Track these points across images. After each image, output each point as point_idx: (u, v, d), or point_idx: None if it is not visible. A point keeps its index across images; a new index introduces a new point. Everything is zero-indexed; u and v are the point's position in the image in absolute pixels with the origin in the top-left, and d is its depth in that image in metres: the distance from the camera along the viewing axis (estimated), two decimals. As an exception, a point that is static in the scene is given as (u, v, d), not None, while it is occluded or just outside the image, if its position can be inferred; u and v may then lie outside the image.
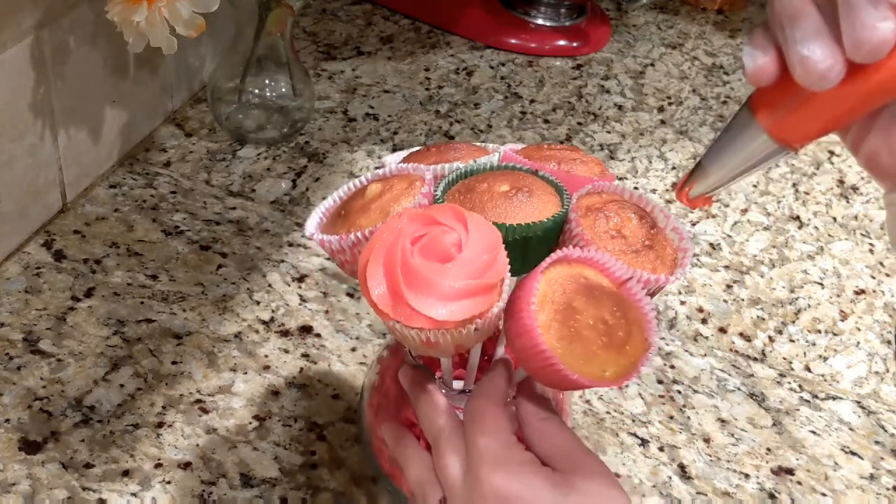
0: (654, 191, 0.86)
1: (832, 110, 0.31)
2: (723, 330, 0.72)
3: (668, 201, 0.86)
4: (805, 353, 0.71)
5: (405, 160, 0.48)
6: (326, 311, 0.68)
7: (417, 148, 0.51)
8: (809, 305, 0.76)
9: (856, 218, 0.87)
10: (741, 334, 0.72)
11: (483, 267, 0.39)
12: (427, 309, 0.38)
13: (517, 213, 0.43)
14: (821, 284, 0.78)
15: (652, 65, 1.07)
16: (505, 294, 0.40)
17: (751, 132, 0.33)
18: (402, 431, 0.48)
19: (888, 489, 0.62)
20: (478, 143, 0.51)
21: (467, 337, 0.40)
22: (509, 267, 0.40)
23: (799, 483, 0.61)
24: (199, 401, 0.60)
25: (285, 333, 0.66)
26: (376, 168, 0.49)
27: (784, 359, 0.71)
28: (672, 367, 0.68)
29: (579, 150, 0.49)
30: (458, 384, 0.49)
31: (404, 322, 0.38)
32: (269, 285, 0.70)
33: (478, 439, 0.41)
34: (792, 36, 0.30)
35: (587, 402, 0.64)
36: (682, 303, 0.74)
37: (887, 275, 0.81)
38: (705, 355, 0.70)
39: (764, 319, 0.74)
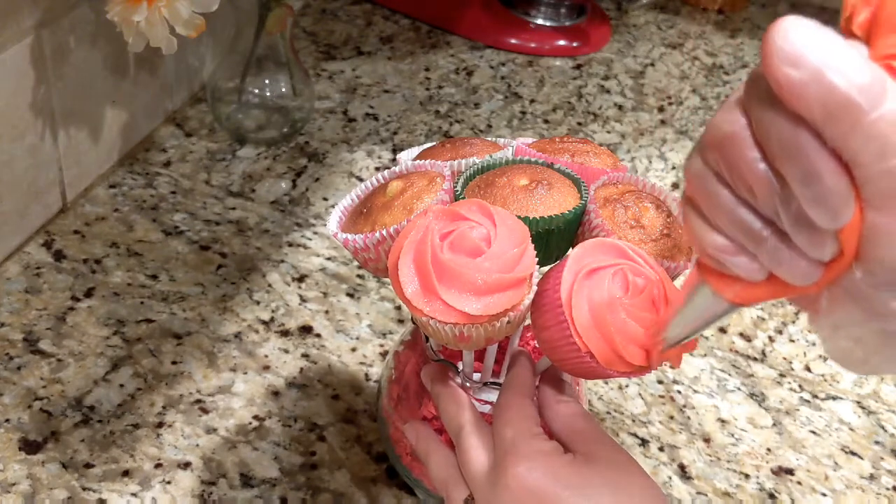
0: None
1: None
2: (723, 330, 0.72)
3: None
4: (805, 353, 0.71)
5: (420, 156, 0.49)
6: (326, 311, 0.68)
7: (430, 144, 0.51)
8: (809, 305, 0.76)
9: (856, 218, 0.87)
10: (741, 334, 0.72)
11: (513, 261, 0.40)
12: (460, 304, 0.39)
13: (538, 206, 0.43)
14: (821, 284, 0.78)
15: (652, 65, 1.07)
16: (534, 287, 0.41)
17: (709, 299, 0.34)
18: (424, 428, 0.48)
19: (888, 489, 0.62)
20: (489, 139, 0.51)
21: (499, 330, 0.41)
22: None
23: (799, 483, 0.61)
24: (199, 401, 0.60)
25: (285, 333, 0.66)
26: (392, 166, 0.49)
27: (784, 359, 0.71)
28: (672, 366, 0.68)
29: (591, 143, 0.50)
30: (477, 376, 0.50)
31: (439, 318, 0.39)
32: (269, 285, 0.70)
33: (503, 431, 0.41)
34: (772, 256, 0.30)
35: (587, 401, 0.64)
36: (682, 303, 0.74)
37: (887, 275, 0.80)
38: (705, 355, 0.70)
39: (764, 319, 0.74)
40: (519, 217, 0.42)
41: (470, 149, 0.48)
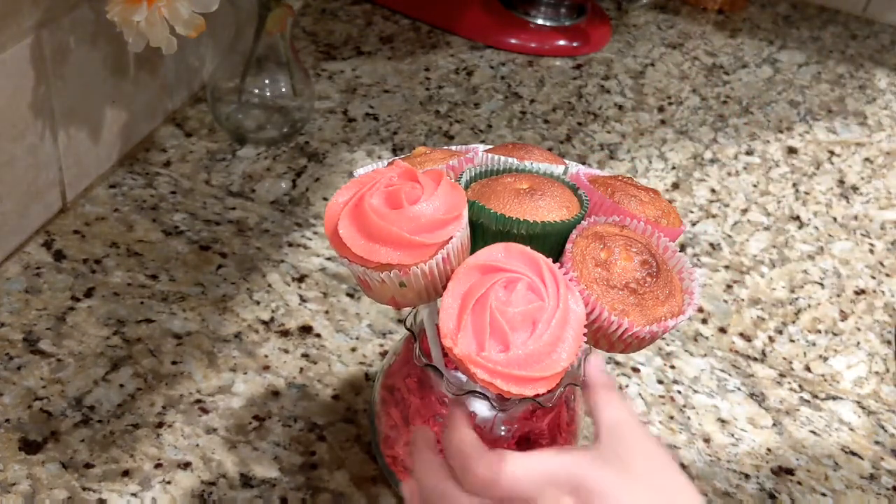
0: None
1: None
2: (723, 330, 0.72)
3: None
4: (805, 354, 0.71)
5: (488, 151, 0.50)
6: (326, 311, 0.68)
7: (504, 144, 0.52)
8: (809, 305, 0.76)
9: (856, 218, 0.87)
10: (741, 334, 0.72)
11: (424, 226, 0.40)
12: (352, 242, 0.41)
13: (527, 210, 0.43)
14: (821, 284, 0.78)
15: (652, 65, 1.07)
16: (439, 259, 0.41)
17: None
18: (426, 437, 0.46)
19: (888, 489, 0.62)
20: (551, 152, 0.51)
21: (396, 290, 0.42)
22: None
23: (799, 483, 0.61)
24: (199, 401, 0.60)
25: (285, 333, 0.66)
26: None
27: (784, 359, 0.71)
28: (672, 367, 0.68)
29: (651, 190, 0.49)
30: (461, 375, 0.49)
31: (336, 249, 0.42)
32: (269, 285, 0.70)
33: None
34: None
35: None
36: (682, 303, 0.74)
37: (887, 275, 0.81)
38: (705, 355, 0.70)
39: (764, 319, 0.74)
40: (501, 215, 0.42)
41: (528, 156, 0.49)
